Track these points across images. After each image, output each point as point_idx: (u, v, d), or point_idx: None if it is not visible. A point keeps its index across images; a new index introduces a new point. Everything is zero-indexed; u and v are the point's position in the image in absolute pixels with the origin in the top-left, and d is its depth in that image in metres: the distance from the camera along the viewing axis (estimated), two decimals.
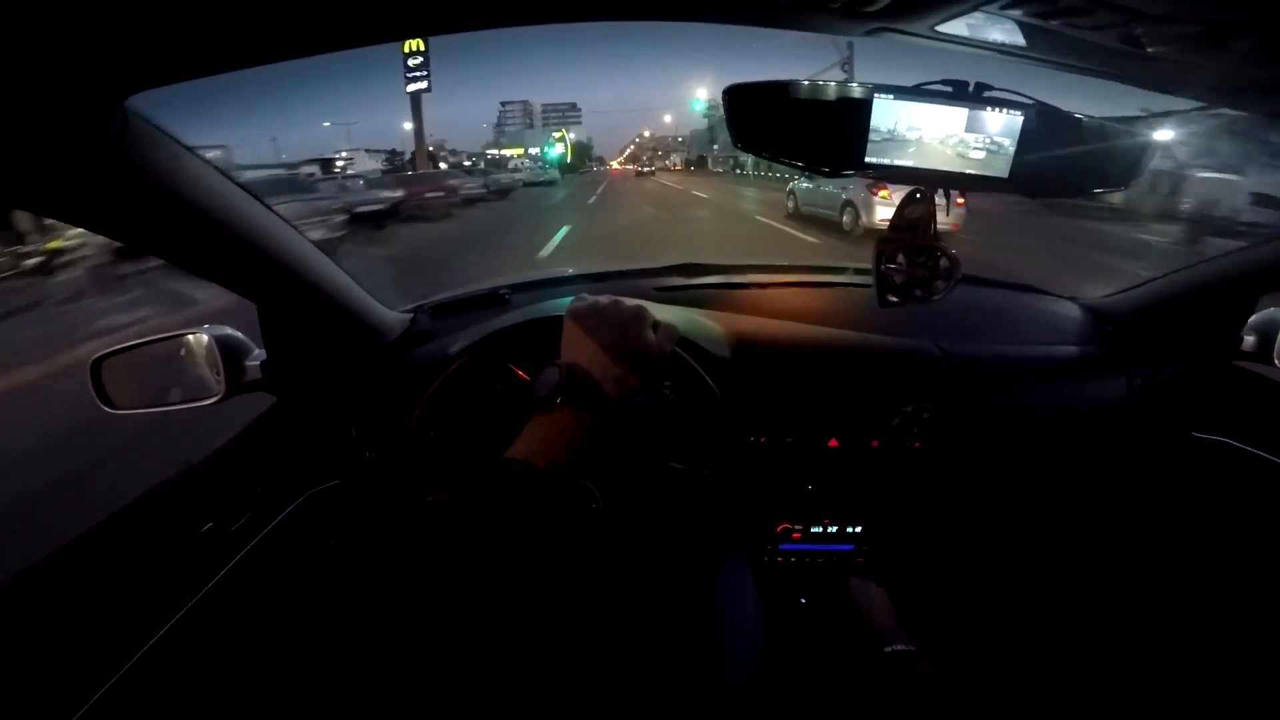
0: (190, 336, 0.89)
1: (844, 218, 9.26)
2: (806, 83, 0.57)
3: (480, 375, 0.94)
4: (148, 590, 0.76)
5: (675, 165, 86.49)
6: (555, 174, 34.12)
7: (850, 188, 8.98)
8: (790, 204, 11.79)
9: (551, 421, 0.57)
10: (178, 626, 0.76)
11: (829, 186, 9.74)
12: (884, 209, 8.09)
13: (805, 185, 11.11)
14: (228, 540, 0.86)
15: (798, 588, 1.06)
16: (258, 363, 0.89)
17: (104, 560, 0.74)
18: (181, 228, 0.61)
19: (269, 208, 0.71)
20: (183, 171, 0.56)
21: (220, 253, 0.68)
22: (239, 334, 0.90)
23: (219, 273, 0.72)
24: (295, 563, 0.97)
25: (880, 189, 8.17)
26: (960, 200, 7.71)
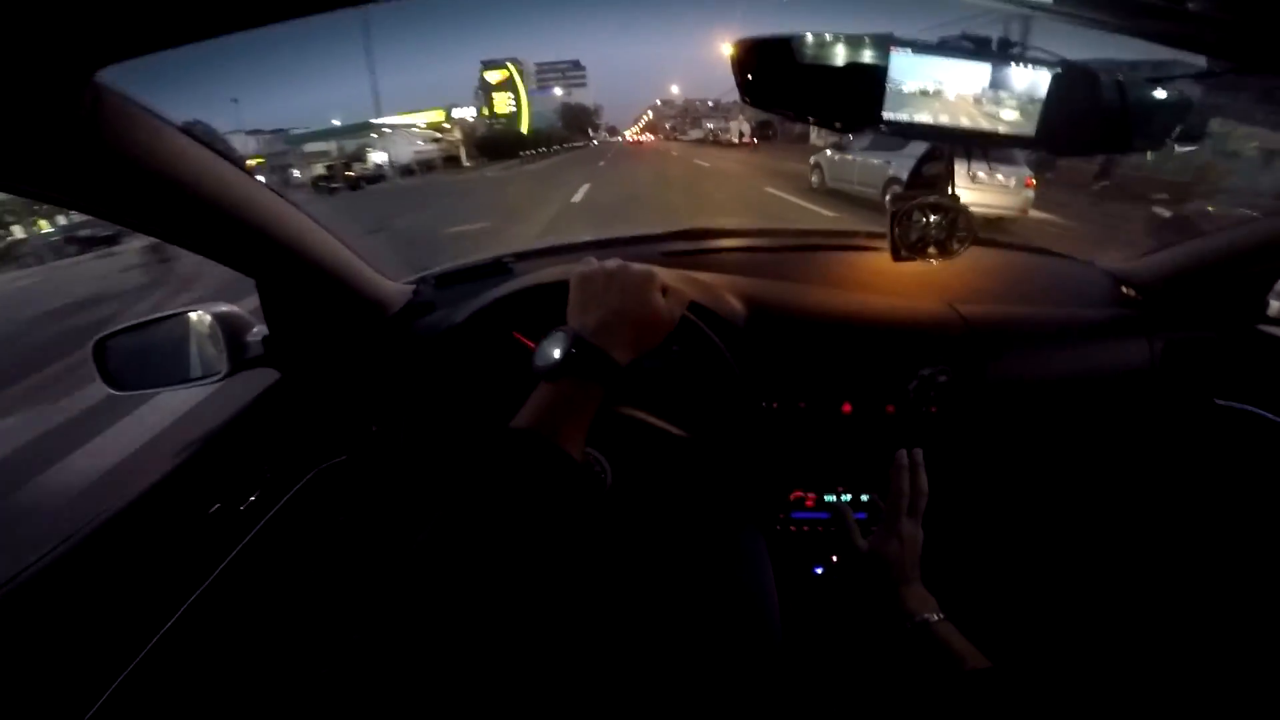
0: (191, 315, 0.88)
1: (886, 198, 8.46)
2: (819, 37, 0.53)
3: (486, 344, 0.92)
4: (160, 576, 0.76)
5: (736, 137, 49.09)
6: None
7: (895, 162, 7.33)
8: (814, 178, 10.57)
9: (558, 389, 0.55)
10: (191, 610, 0.76)
11: (875, 159, 8.14)
12: None
13: (835, 156, 9.72)
14: (237, 520, 0.86)
15: (811, 557, 1.05)
16: (259, 338, 0.88)
17: (115, 549, 0.74)
18: (167, 204, 0.59)
19: (261, 182, 0.69)
20: (164, 146, 0.54)
21: (212, 228, 0.66)
22: (239, 310, 0.89)
23: (212, 248, 0.70)
24: (306, 541, 0.97)
25: None
26: (1030, 181, 6.90)
